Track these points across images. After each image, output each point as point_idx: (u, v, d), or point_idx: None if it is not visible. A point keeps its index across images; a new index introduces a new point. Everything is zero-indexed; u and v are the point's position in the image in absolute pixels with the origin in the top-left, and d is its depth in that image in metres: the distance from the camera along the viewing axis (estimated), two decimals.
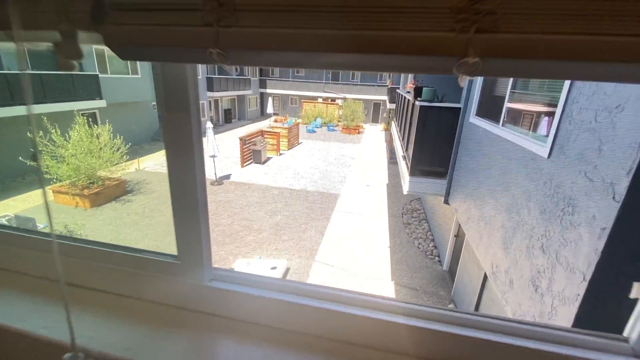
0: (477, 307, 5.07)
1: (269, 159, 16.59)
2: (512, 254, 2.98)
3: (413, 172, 4.73)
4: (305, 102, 29.52)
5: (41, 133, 9.24)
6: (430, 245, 8.29)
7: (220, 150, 13.48)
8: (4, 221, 7.79)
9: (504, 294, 3.24)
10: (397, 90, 11.11)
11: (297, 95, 31.95)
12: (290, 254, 7.83)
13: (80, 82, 12.56)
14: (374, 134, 25.78)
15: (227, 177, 13.36)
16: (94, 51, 13.86)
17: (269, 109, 24.74)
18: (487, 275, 3.93)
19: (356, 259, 7.70)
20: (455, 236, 6.87)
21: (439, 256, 7.85)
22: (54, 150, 9.36)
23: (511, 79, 3.11)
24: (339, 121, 28.37)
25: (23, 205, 9.59)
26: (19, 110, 10.40)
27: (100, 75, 13.58)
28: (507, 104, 3.08)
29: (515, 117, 3.05)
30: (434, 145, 4.60)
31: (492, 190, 3.11)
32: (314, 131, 25.38)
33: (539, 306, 2.59)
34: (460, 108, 4.39)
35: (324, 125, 27.87)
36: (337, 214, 10.12)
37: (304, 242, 8.41)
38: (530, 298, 2.71)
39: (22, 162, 9.66)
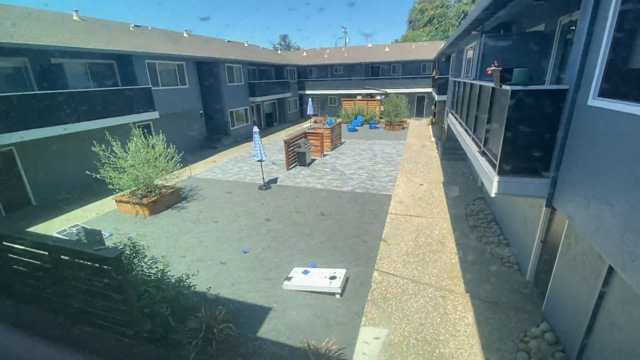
0: (589, 329, 4.18)
1: (313, 160, 16.29)
2: None
3: (503, 171, 3.96)
4: (345, 100, 28.90)
5: (103, 146, 9.71)
6: (506, 251, 7.31)
7: (265, 154, 13.39)
8: (73, 231, 8.25)
9: None
10: (456, 79, 10.13)
11: (336, 95, 31.46)
12: (346, 261, 7.33)
13: (136, 96, 13.19)
14: (419, 129, 24.46)
15: (274, 180, 13.25)
16: (146, 65, 14.53)
17: (309, 110, 24.50)
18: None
19: (421, 267, 6.99)
20: (542, 242, 5.90)
21: (518, 264, 6.86)
22: (115, 162, 9.81)
23: None
24: (380, 118, 27.39)
25: (90, 215, 10.18)
26: (83, 126, 11.12)
27: (152, 88, 14.20)
28: None
29: None
30: (531, 137, 3.80)
31: None
32: (355, 130, 24.74)
33: None
34: (566, 89, 3.57)
35: (366, 122, 27.08)
36: (392, 217, 9.43)
37: (359, 248, 7.87)
38: None
39: (88, 175, 10.29)
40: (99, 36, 13.86)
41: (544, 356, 4.69)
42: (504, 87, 3.91)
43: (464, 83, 7.63)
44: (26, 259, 4.08)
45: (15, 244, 4.02)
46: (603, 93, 2.96)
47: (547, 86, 3.96)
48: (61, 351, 0.75)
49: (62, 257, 4.03)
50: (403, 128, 24.62)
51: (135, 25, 18.90)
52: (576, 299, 4.56)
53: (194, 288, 6.10)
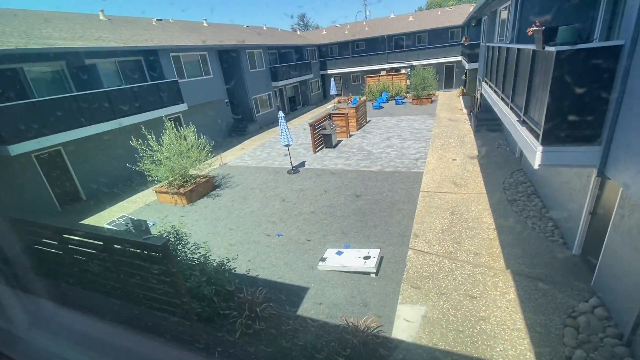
0: None
1: (339, 142, 16.14)
2: None
3: (547, 140, 3.69)
4: (369, 77, 28.01)
5: (140, 140, 10.20)
6: (549, 225, 6.94)
7: (291, 138, 13.43)
8: (121, 221, 8.86)
9: None
10: (489, 44, 9.42)
11: (359, 72, 30.56)
12: (380, 241, 7.33)
13: (165, 90, 13.61)
14: (449, 101, 23.32)
15: (302, 164, 13.33)
16: (172, 58, 14.86)
17: (332, 90, 24.04)
18: None
19: (457, 244, 6.84)
20: (591, 213, 5.53)
21: (563, 237, 6.51)
22: (152, 155, 10.30)
23: None
24: (407, 92, 26.37)
25: (134, 206, 10.87)
26: (120, 123, 11.70)
27: (179, 81, 14.56)
28: None
29: None
30: (579, 102, 3.48)
31: None
32: (381, 107, 24.03)
33: None
34: (621, 45, 3.21)
35: (392, 99, 26.22)
36: (424, 195, 9.22)
37: (392, 228, 7.82)
38: None
39: (128, 168, 10.92)
40: (126, 34, 14.30)
41: (594, 332, 4.49)
42: (548, 48, 3.58)
43: (499, 47, 7.09)
44: (84, 249, 4.47)
45: (74, 236, 4.40)
46: None
47: (597, 43, 3.57)
48: (118, 329, 0.83)
49: (115, 246, 4.37)
50: (431, 101, 23.58)
51: (157, 20, 19.26)
52: (631, 272, 4.28)
53: (235, 270, 6.41)
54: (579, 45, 3.31)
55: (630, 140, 3.09)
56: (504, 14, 10.24)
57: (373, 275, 6.14)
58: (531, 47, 4.30)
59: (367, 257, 6.35)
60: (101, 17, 15.97)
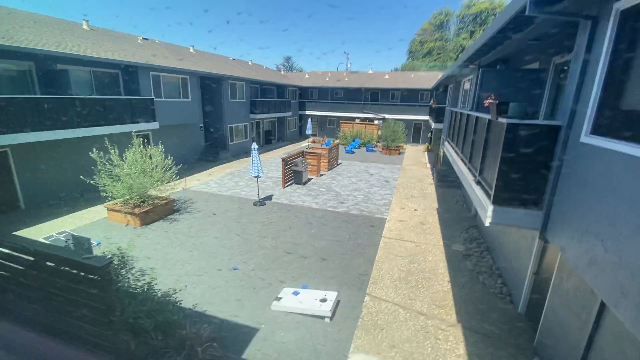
0: None
1: (309, 179, 16.33)
2: None
3: (497, 201, 4.02)
4: (344, 123, 29.41)
5: (102, 153, 9.68)
6: (498, 282, 7.26)
7: (262, 170, 13.42)
8: (61, 237, 8.05)
9: None
10: (453, 109, 10.41)
11: (335, 117, 32.05)
12: (338, 284, 7.22)
13: (138, 106, 13.31)
14: (415, 155, 24.82)
15: (269, 197, 13.21)
16: (151, 76, 14.75)
17: (308, 130, 24.86)
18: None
19: (413, 294, 6.90)
20: (534, 274, 5.90)
21: (510, 295, 6.81)
22: (111, 169, 9.74)
23: None
24: (378, 142, 27.83)
25: (79, 222, 9.98)
26: (80, 133, 11.13)
27: (155, 99, 14.36)
28: None
29: None
30: (525, 170, 3.89)
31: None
32: (352, 152, 25.03)
33: None
34: (559, 126, 3.70)
35: (363, 145, 27.45)
36: (385, 241, 9.39)
37: (352, 271, 7.77)
38: None
39: (81, 181, 10.19)
40: (107, 46, 14.13)
41: None
42: (500, 119, 4.03)
43: (461, 113, 7.86)
44: (8, 264, 3.96)
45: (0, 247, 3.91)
46: (595, 131, 3.07)
47: (541, 121, 4.10)
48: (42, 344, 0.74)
49: (47, 263, 3.91)
50: (399, 153, 24.97)
51: (143, 38, 19.34)
52: (568, 335, 4.51)
53: (180, 303, 5.93)
54: (526, 121, 3.77)
55: (566, 210, 3.45)
56: (467, 85, 11.48)
57: (328, 320, 5.94)
58: (487, 116, 4.82)
59: (323, 300, 6.18)
60: (84, 27, 15.76)
